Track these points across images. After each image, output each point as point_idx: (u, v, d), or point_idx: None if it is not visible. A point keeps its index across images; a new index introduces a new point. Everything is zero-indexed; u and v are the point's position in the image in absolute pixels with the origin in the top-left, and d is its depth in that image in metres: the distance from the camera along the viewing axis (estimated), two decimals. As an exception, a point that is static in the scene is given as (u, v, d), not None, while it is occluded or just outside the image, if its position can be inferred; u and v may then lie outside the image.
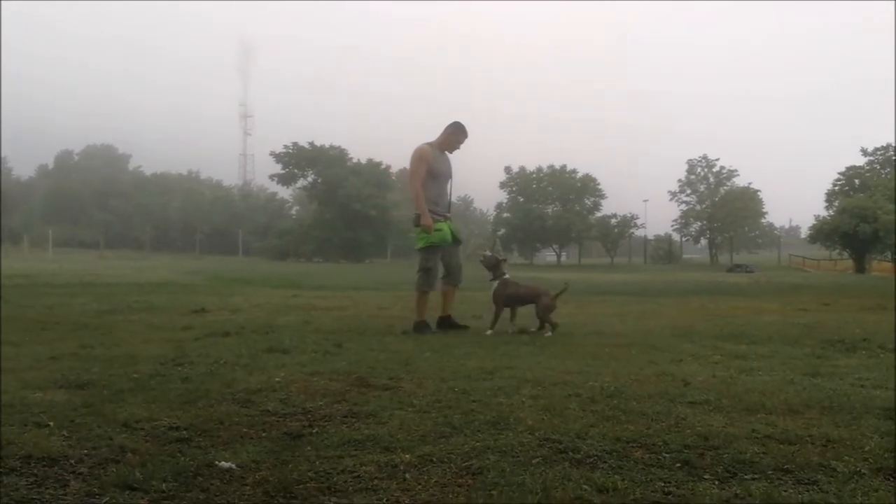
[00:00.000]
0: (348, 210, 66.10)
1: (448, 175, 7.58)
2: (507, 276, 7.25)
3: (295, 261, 59.39)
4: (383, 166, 72.47)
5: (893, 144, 70.57)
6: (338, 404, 3.64)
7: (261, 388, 3.97)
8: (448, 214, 7.56)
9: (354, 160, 71.08)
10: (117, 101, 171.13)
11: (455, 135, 7.52)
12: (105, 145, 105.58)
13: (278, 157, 68.83)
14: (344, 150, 71.06)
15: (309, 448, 2.89)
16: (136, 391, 3.89)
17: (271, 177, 71.21)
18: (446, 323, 7.39)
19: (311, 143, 69.40)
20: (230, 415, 3.38)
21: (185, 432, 3.09)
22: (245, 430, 3.16)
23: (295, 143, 69.19)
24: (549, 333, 6.70)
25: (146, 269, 28.45)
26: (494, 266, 7.30)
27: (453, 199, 7.80)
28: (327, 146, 70.26)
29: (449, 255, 7.48)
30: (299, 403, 3.65)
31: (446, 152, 7.56)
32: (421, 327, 7.11)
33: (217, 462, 2.66)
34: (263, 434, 3.11)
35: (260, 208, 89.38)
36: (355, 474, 2.57)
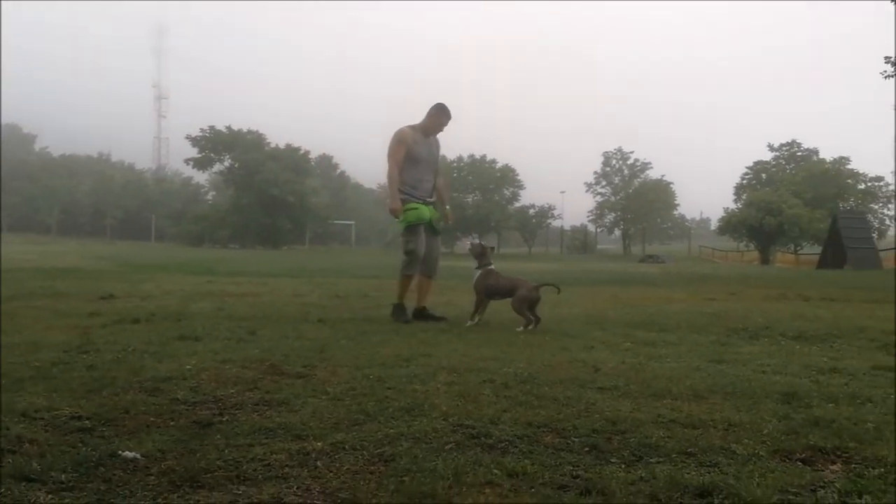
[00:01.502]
0: (266, 196, 65.15)
1: (431, 159, 7.33)
2: (491, 266, 6.97)
3: (210, 247, 58.16)
4: (302, 151, 71.62)
5: (798, 141, 73.36)
6: (250, 392, 3.58)
7: (170, 377, 3.87)
8: (430, 199, 7.30)
9: (272, 145, 70.05)
10: (23, 79, 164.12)
11: (437, 117, 7.27)
12: (9, 124, 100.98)
13: (194, 141, 67.32)
14: (262, 134, 70.04)
15: (218, 436, 2.83)
16: (37, 380, 3.74)
17: (187, 161, 69.64)
18: (421, 314, 7.13)
19: (228, 128, 68.13)
20: (136, 403, 3.29)
21: (87, 422, 2.99)
22: (152, 418, 3.07)
23: (211, 127, 67.81)
24: (520, 328, 6.25)
25: (52, 254, 27.45)
26: (480, 254, 7.03)
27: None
28: (245, 130, 69.01)
29: (426, 245, 7.26)
30: (210, 392, 3.57)
31: (431, 136, 7.33)
32: (398, 311, 7.01)
33: (121, 452, 2.58)
34: (171, 423, 3.03)
35: (174, 193, 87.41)
36: (265, 462, 2.53)
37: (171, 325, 6.14)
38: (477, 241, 7.23)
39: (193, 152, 67.78)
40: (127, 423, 2.99)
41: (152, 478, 2.38)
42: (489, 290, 6.82)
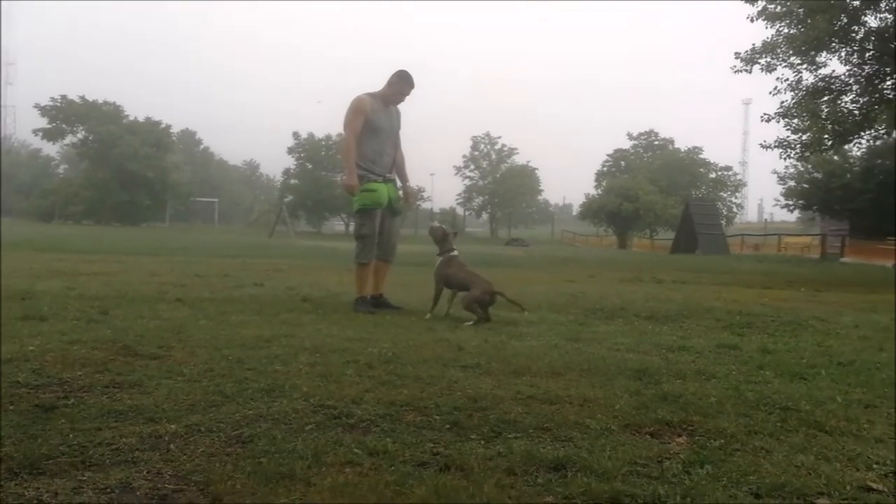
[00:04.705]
0: (123, 170, 62.30)
1: (391, 131, 6.75)
2: (454, 253, 6.43)
3: (62, 223, 55.02)
4: (163, 125, 68.75)
5: (655, 131, 76.72)
6: (99, 374, 3.40)
7: (11, 359, 3.62)
8: (389, 175, 6.76)
9: (131, 118, 66.84)
10: None
11: (399, 85, 6.67)
12: None
13: (44, 111, 63.32)
14: (119, 106, 66.68)
15: (63, 420, 2.67)
16: None
17: (35, 132, 65.47)
18: (377, 302, 6.61)
19: (83, 98, 64.47)
20: (-29, 387, 3.06)
21: (-86, 408, 2.76)
22: (-11, 403, 2.87)
23: (64, 97, 64.01)
24: (470, 323, 5.68)
25: None
26: (441, 240, 6.48)
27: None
28: (100, 101, 65.51)
29: (383, 225, 6.73)
30: (55, 374, 3.37)
31: (392, 105, 6.77)
32: (361, 303, 6.43)
33: (-49, 439, 2.40)
34: (11, 407, 2.83)
35: (22, 165, 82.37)
36: (114, 447, 2.41)
37: (13, 304, 5.73)
38: (437, 224, 6.75)
39: (43, 123, 63.79)
40: (-41, 409, 2.77)
41: (-13, 466, 2.22)
42: (447, 280, 6.32)
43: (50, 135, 65.06)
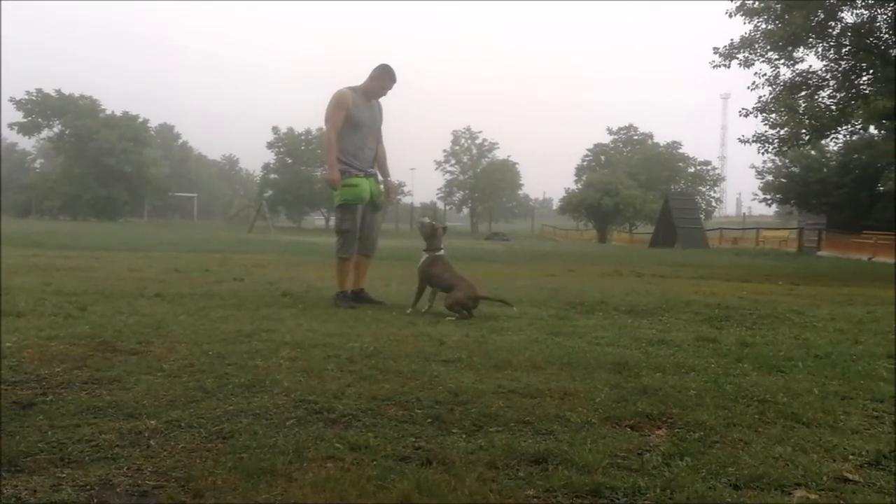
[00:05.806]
0: (100, 165, 61.67)
1: (372, 125, 6.72)
2: (440, 252, 6.33)
3: (38, 218, 54.45)
4: (140, 119, 68.13)
5: (635, 125, 76.97)
6: (78, 370, 3.37)
7: (-13, 355, 3.58)
8: (371, 170, 6.74)
9: (108, 112, 66.14)
10: None
11: (380, 79, 6.63)
12: None
13: (19, 105, 62.47)
14: (96, 100, 65.94)
15: (41, 417, 2.65)
16: None
17: (11, 125, 64.61)
18: (358, 297, 6.60)
19: (58, 91, 63.67)
20: (-53, 385, 3.02)
21: None
22: (-35, 401, 2.84)
23: (39, 90, 63.20)
24: (452, 318, 5.72)
25: None
26: (429, 237, 6.36)
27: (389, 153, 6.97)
28: (77, 95, 64.77)
29: (364, 220, 6.69)
30: (32, 370, 3.34)
31: (373, 100, 6.74)
32: (342, 298, 6.42)
33: (-73, 438, 2.37)
34: (-12, 404, 2.81)
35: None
36: (93, 443, 2.40)
37: (-10, 300, 5.68)
38: (427, 220, 6.65)
39: (18, 116, 63.03)
40: (-65, 406, 2.74)
41: (-37, 465, 2.20)
42: (430, 279, 6.25)
43: (25, 129, 64.33)
